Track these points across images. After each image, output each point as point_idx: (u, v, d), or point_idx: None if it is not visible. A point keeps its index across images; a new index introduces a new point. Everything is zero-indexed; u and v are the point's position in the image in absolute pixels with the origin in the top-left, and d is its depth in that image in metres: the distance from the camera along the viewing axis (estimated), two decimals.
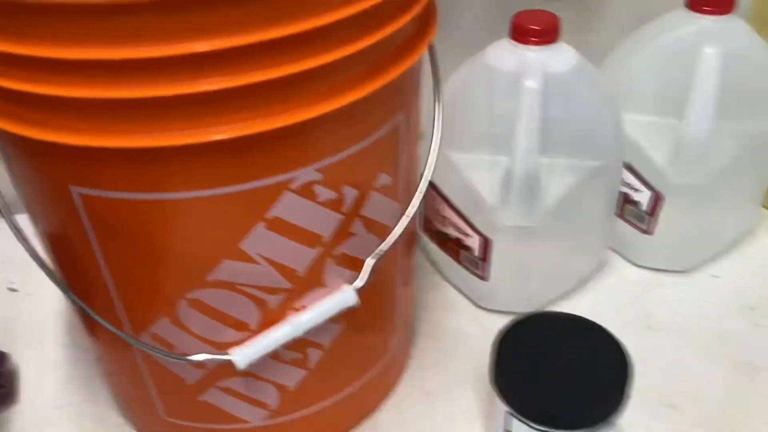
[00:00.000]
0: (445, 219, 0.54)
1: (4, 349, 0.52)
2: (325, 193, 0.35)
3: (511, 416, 0.40)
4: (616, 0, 0.70)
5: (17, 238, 0.36)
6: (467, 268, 0.55)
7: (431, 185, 0.54)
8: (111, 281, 0.36)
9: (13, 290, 0.60)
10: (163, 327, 0.37)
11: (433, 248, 0.59)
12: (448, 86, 0.52)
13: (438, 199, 0.54)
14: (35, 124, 0.30)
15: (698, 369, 0.51)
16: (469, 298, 0.58)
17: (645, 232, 0.57)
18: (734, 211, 0.59)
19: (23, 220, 0.37)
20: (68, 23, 0.27)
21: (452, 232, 0.54)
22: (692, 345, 0.53)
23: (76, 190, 0.32)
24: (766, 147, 0.55)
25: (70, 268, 0.37)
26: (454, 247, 0.55)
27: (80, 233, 0.34)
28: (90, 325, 0.41)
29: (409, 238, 0.46)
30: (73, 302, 0.37)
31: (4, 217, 0.36)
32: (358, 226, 0.38)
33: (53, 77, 0.28)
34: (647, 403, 0.49)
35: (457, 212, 0.53)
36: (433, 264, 0.61)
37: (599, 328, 0.43)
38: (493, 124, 0.50)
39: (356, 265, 0.39)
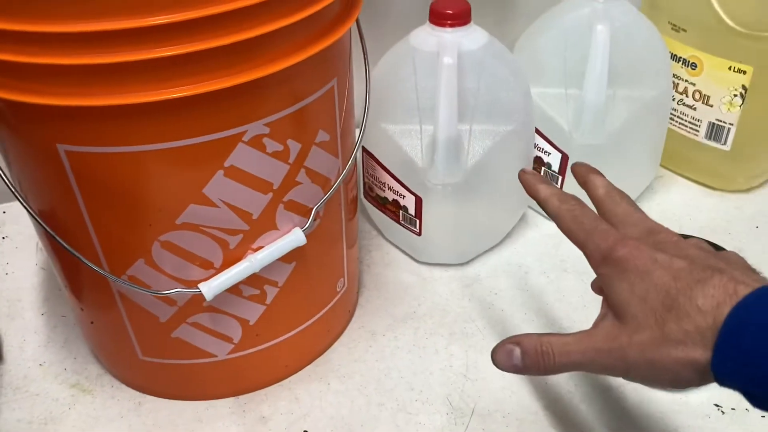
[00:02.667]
0: (383, 184, 0.62)
1: None
2: (272, 145, 0.42)
3: None
4: None
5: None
6: (405, 227, 0.63)
7: (370, 155, 0.62)
8: (93, 229, 0.42)
9: None
10: (139, 268, 0.44)
11: (375, 213, 0.66)
12: (379, 67, 0.60)
13: (376, 166, 0.61)
14: (25, 91, 0.36)
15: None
16: (408, 255, 0.65)
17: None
18: (635, 170, 0.68)
19: None
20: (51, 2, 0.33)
21: (390, 195, 0.62)
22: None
23: (62, 148, 0.39)
24: (655, 111, 0.65)
25: (56, 221, 0.43)
26: (392, 208, 0.63)
27: (65, 187, 0.40)
28: (74, 273, 0.47)
29: (351, 202, 0.53)
30: (61, 248, 0.43)
31: None
32: (303, 176, 0.45)
33: (40, 50, 0.35)
34: (558, 327, 0.57)
35: (393, 176, 0.60)
36: (376, 227, 0.68)
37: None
38: (419, 97, 0.58)
39: (304, 211, 0.46)
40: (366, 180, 0.65)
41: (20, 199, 0.42)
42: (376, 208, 0.65)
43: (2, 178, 0.42)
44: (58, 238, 0.42)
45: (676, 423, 0.49)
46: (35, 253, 0.67)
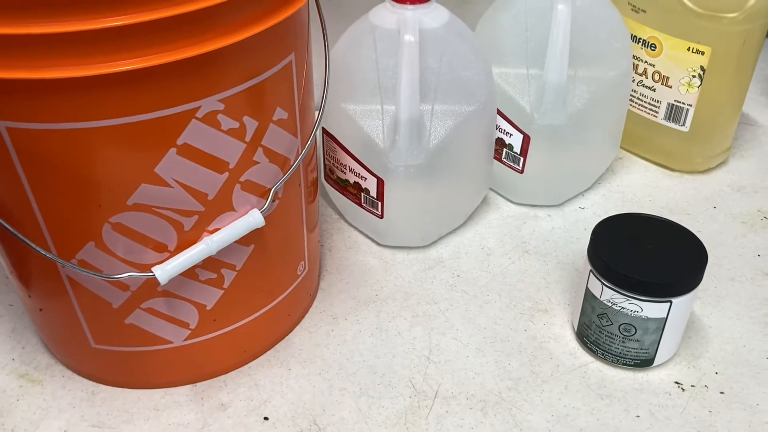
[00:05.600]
0: (344, 166, 0.61)
1: None
2: (228, 123, 0.40)
3: (607, 289, 0.48)
4: None
5: None
6: (367, 209, 0.62)
7: (330, 136, 0.60)
8: (39, 211, 0.40)
9: None
10: (89, 252, 0.42)
11: (336, 195, 0.65)
12: (338, 45, 0.59)
13: (337, 148, 0.60)
14: None
15: (565, 280, 0.59)
16: (370, 238, 0.64)
17: (519, 171, 0.65)
18: (596, 151, 0.68)
19: None
20: None
21: (351, 178, 0.61)
22: (560, 262, 0.61)
23: (2, 124, 0.37)
24: (616, 92, 0.65)
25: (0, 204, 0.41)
26: (354, 191, 0.62)
27: (8, 166, 0.38)
28: (21, 259, 0.45)
29: (311, 184, 0.52)
30: (6, 233, 0.41)
31: None
32: (260, 155, 0.44)
33: None
34: (521, 308, 0.57)
35: (354, 158, 0.59)
36: (337, 211, 0.67)
37: (675, 225, 0.51)
38: (380, 77, 0.56)
39: (262, 192, 0.45)
40: (327, 162, 0.64)
41: None
42: (337, 190, 0.64)
43: None
44: (2, 221, 0.40)
45: (638, 401, 0.49)
46: None
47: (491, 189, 0.69)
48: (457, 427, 0.48)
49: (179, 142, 0.39)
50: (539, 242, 0.64)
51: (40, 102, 0.36)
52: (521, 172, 0.65)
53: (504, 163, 0.66)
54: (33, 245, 0.41)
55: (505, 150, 0.65)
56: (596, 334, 0.51)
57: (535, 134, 0.62)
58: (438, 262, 0.62)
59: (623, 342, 0.50)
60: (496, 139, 0.65)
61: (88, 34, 0.33)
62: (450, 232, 0.65)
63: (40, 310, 0.48)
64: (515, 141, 0.64)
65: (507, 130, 0.64)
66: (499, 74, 0.62)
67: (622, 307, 0.48)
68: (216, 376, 0.51)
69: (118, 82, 0.36)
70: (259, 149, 0.43)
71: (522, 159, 0.64)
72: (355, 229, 0.66)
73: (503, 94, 0.62)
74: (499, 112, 0.63)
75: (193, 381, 0.51)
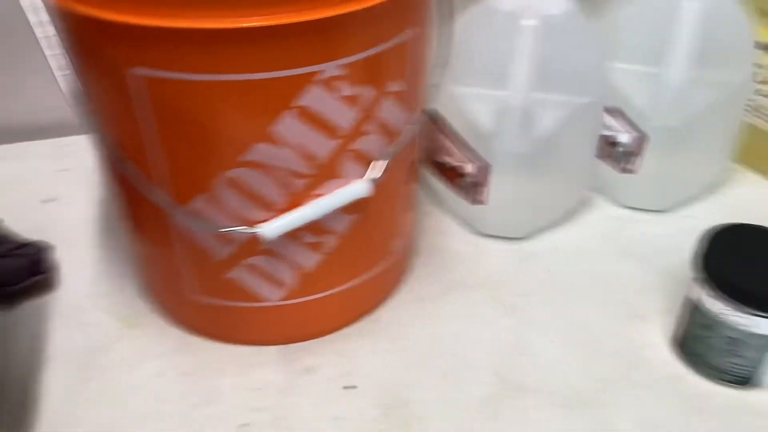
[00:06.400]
0: (447, 149, 0.60)
1: None
2: (346, 89, 0.41)
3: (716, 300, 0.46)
4: None
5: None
6: (464, 195, 0.61)
7: (434, 119, 0.60)
8: (159, 158, 0.42)
9: (50, 200, 0.66)
10: (201, 203, 0.43)
11: (434, 179, 0.64)
12: (456, 26, 0.58)
13: (441, 130, 0.60)
14: (105, 8, 0.36)
15: (665, 287, 0.57)
16: (464, 224, 0.64)
17: (627, 171, 0.63)
18: (709, 158, 0.65)
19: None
20: None
21: (452, 161, 0.60)
22: (661, 269, 0.59)
23: (137, 71, 0.38)
24: (735, 98, 0.61)
25: (123, 149, 0.43)
26: (453, 175, 0.61)
27: (138, 113, 0.40)
28: (135, 204, 0.47)
29: (411, 165, 0.52)
30: (125, 177, 0.43)
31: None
32: (372, 126, 0.44)
33: None
34: (615, 311, 0.55)
35: (458, 142, 0.59)
36: (433, 194, 0.67)
37: None
38: (493, 61, 0.56)
39: (369, 163, 0.45)
40: (429, 144, 0.63)
41: (91, 124, 0.42)
42: (436, 173, 0.64)
43: (77, 103, 0.41)
44: (125, 163, 0.42)
45: (737, 421, 0.47)
46: (94, 187, 0.68)
47: (593, 188, 0.67)
48: (539, 422, 0.47)
49: (297, 104, 0.40)
50: (640, 246, 0.61)
51: (173, 51, 0.37)
52: (629, 172, 0.63)
53: (612, 161, 0.64)
54: (151, 191, 0.42)
55: (615, 148, 0.63)
56: (697, 345, 0.49)
57: (649, 135, 0.60)
58: (532, 256, 0.60)
59: (726, 356, 0.47)
60: (605, 137, 0.63)
61: None
62: (547, 227, 0.63)
63: (146, 256, 0.51)
64: (627, 140, 0.62)
65: (620, 128, 0.62)
66: (616, 69, 0.60)
67: (730, 320, 0.46)
68: (305, 341, 0.52)
69: (247, 39, 0.36)
70: (372, 120, 0.44)
71: (632, 158, 0.62)
72: (450, 214, 0.65)
73: (620, 90, 0.60)
74: (614, 109, 0.61)
75: (283, 342, 0.52)
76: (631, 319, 0.54)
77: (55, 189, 0.67)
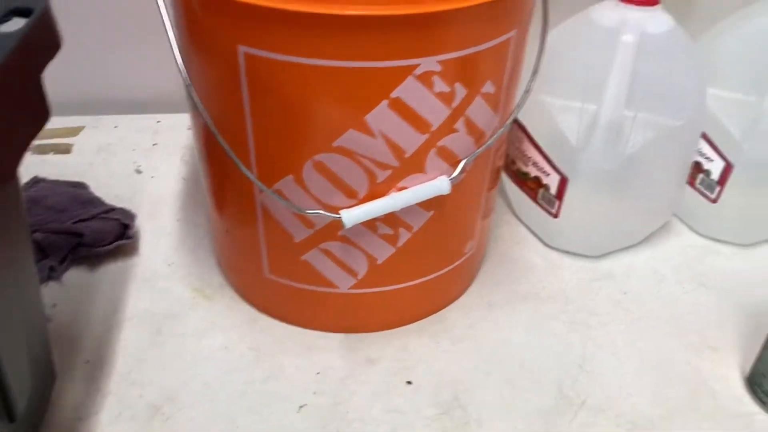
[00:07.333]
0: (528, 158, 0.60)
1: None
2: (440, 85, 0.41)
3: None
4: None
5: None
6: (542, 206, 0.60)
7: (520, 126, 0.60)
8: (253, 137, 0.43)
9: (138, 172, 0.69)
10: (287, 184, 0.44)
11: (512, 187, 0.64)
12: (552, 36, 0.57)
13: (525, 139, 0.60)
14: None
15: (742, 322, 0.55)
16: (538, 237, 0.63)
17: (712, 201, 0.61)
18: None
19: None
20: None
21: (533, 171, 0.60)
22: (736, 304, 0.57)
23: (242, 49, 0.40)
24: None
25: (220, 124, 0.44)
26: (532, 185, 0.61)
27: (237, 90, 0.41)
28: (223, 180, 0.49)
29: (496, 169, 0.52)
30: (217, 152, 0.45)
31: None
32: (461, 124, 0.44)
33: None
34: (688, 340, 0.53)
35: (541, 152, 0.58)
36: (510, 203, 0.66)
37: None
38: (587, 74, 0.55)
39: (453, 161, 0.46)
40: (510, 152, 0.63)
41: (193, 99, 0.43)
42: (514, 182, 0.63)
43: (181, 75, 0.43)
44: (220, 138, 0.43)
45: None
46: (180, 164, 0.70)
47: (676, 214, 0.65)
48: None
49: (393, 95, 0.40)
50: (719, 278, 0.59)
51: (278, 33, 0.38)
52: (714, 201, 0.61)
53: (697, 189, 0.62)
54: (242, 167, 0.44)
55: (701, 175, 0.61)
56: None
57: (740, 165, 0.58)
58: (606, 276, 0.59)
59: None
60: (694, 163, 0.61)
61: None
62: (624, 248, 0.62)
63: (227, 231, 0.52)
64: (715, 167, 0.60)
65: (708, 155, 0.60)
66: (712, 95, 0.59)
67: None
68: (370, 331, 0.53)
69: (352, 27, 0.37)
70: (461, 118, 0.44)
71: (718, 188, 0.60)
72: (524, 224, 0.65)
73: (713, 116, 0.59)
74: (704, 135, 0.60)
75: (348, 330, 0.52)
76: (703, 350, 0.53)
77: (146, 162, 0.70)
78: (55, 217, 0.58)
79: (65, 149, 0.72)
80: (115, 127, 0.76)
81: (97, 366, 0.49)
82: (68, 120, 0.76)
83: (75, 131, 0.74)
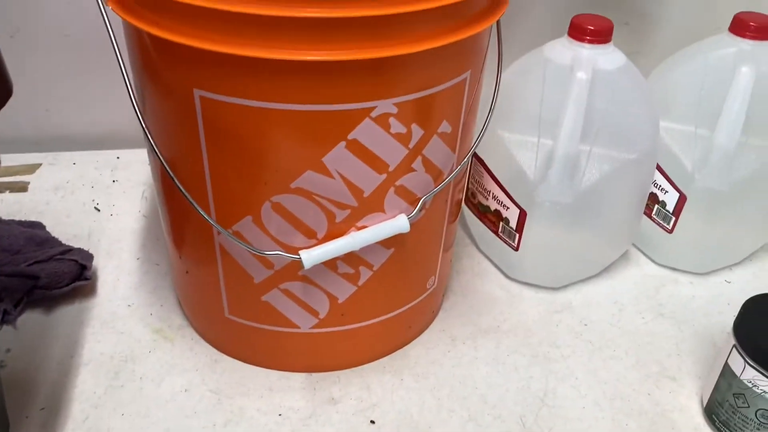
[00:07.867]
0: (488, 192, 0.61)
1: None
2: (397, 127, 0.42)
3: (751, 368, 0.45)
4: (667, 26, 0.77)
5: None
6: (503, 240, 0.61)
7: (480, 160, 0.61)
8: (210, 179, 0.43)
9: (97, 209, 0.68)
10: (245, 225, 0.44)
11: (473, 220, 0.65)
12: (508, 73, 0.59)
13: (484, 173, 0.60)
14: (175, 31, 0.37)
15: (699, 351, 0.56)
16: (500, 269, 0.64)
17: (668, 231, 0.63)
18: (755, 224, 0.64)
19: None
20: None
21: (493, 205, 0.61)
22: (694, 333, 0.58)
23: (197, 93, 0.40)
24: None
25: (177, 166, 0.44)
26: (493, 219, 0.61)
27: (193, 133, 0.41)
28: (182, 221, 0.48)
29: (456, 203, 0.53)
30: (175, 193, 0.44)
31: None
32: (418, 164, 0.44)
33: None
34: (648, 370, 0.54)
35: (500, 186, 0.59)
36: (471, 236, 0.67)
37: None
38: (542, 110, 0.56)
39: (412, 200, 0.46)
40: (470, 185, 0.64)
41: (149, 139, 0.43)
42: (476, 215, 0.64)
43: (137, 117, 0.43)
44: (176, 181, 0.43)
45: None
46: (140, 201, 0.69)
47: (634, 245, 0.67)
48: None
49: (350, 137, 0.41)
50: (677, 308, 0.61)
51: (234, 77, 0.38)
52: (670, 232, 0.63)
53: (653, 220, 0.64)
54: (200, 210, 0.43)
55: (657, 206, 0.63)
56: (728, 414, 0.48)
57: (693, 196, 0.60)
58: (566, 307, 0.60)
59: (758, 429, 0.46)
60: (650, 194, 0.63)
61: (290, 21, 0.36)
62: (583, 279, 0.63)
63: (186, 272, 0.52)
64: (669, 199, 0.61)
65: (663, 187, 0.62)
66: (665, 128, 0.60)
67: (765, 391, 0.45)
68: (331, 371, 0.52)
69: (308, 71, 0.38)
70: (419, 158, 0.44)
71: (674, 219, 0.62)
72: (486, 257, 0.65)
73: (666, 149, 0.60)
74: (658, 167, 0.61)
75: (310, 370, 0.52)
76: (662, 379, 0.53)
77: (105, 199, 0.69)
78: (9, 259, 0.57)
79: (21, 188, 0.70)
80: (74, 163, 0.75)
81: (52, 413, 0.48)
82: (25, 157, 0.75)
83: (32, 168, 0.73)
